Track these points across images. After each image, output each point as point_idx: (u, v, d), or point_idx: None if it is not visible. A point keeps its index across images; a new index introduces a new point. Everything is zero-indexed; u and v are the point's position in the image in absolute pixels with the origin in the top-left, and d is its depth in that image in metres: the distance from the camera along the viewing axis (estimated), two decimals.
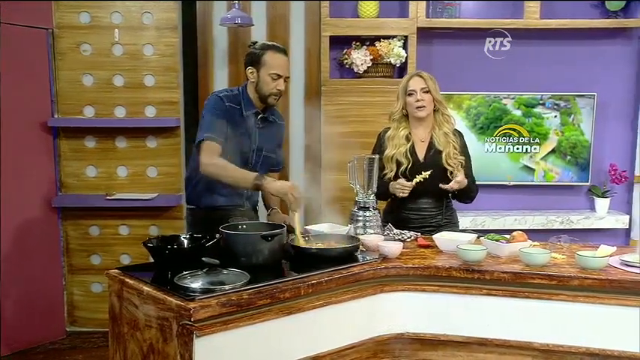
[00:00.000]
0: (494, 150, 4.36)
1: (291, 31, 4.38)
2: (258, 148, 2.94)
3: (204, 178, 2.87)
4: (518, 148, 4.36)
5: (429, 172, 2.93)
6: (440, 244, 2.62)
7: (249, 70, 2.89)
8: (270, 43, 2.96)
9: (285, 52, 2.91)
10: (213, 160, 2.77)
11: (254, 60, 2.87)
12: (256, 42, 2.97)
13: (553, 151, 4.41)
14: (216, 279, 2.05)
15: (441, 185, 2.97)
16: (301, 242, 2.50)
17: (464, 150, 3.14)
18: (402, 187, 2.96)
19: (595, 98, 4.28)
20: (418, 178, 2.92)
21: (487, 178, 4.32)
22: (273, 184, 2.68)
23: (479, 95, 4.35)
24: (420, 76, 3.06)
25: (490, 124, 4.39)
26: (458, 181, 2.96)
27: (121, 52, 4.09)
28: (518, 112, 4.38)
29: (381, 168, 3.03)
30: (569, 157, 4.38)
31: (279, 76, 2.85)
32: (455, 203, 3.20)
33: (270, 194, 2.80)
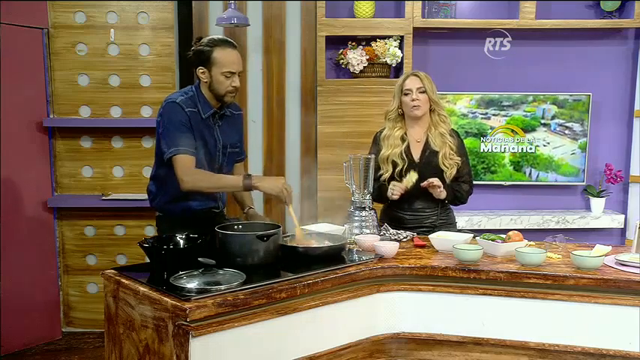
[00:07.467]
0: (490, 150, 4.35)
1: (287, 31, 4.37)
2: (223, 145, 2.83)
3: (176, 187, 2.69)
4: (513, 149, 4.35)
5: (415, 176, 2.93)
6: (436, 244, 2.63)
7: (200, 71, 2.71)
8: (217, 38, 2.75)
9: (234, 45, 2.73)
10: (192, 175, 2.64)
11: (203, 59, 2.69)
12: (201, 37, 2.77)
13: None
14: (212, 279, 2.05)
15: (422, 184, 2.94)
16: (299, 234, 2.54)
17: (461, 150, 3.12)
18: (392, 189, 2.95)
19: (590, 98, 4.29)
20: (405, 182, 2.93)
21: (483, 177, 4.33)
22: (264, 181, 2.65)
23: (457, 114, 4.18)
24: (417, 76, 3.06)
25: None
26: (432, 182, 2.91)
27: (116, 52, 4.09)
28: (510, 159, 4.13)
29: (377, 169, 3.03)
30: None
31: (233, 73, 2.70)
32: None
33: (265, 192, 2.71)
